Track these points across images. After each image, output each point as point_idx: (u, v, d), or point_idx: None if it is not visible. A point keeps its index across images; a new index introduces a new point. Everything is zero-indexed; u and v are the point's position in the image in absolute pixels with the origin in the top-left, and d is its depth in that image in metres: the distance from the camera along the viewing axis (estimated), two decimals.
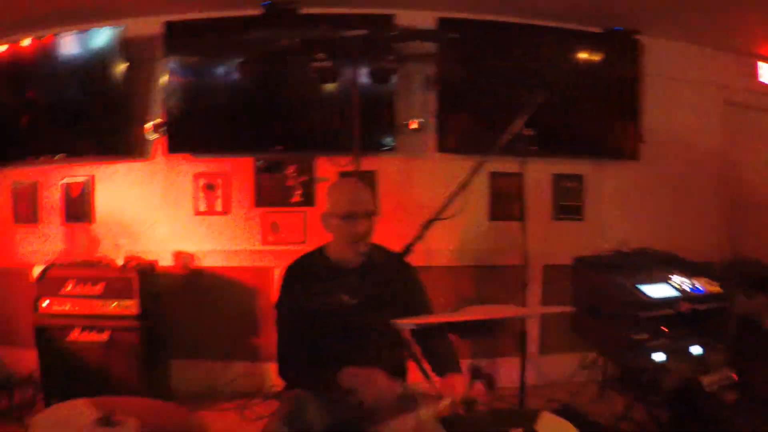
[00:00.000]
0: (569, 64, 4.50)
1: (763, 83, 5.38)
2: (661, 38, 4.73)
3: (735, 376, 3.49)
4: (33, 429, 1.80)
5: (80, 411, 1.74)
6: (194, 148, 4.23)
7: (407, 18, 4.16)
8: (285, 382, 2.42)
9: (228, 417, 3.84)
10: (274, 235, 4.29)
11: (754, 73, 5.33)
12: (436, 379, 2.17)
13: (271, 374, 4.20)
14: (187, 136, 4.15)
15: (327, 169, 4.24)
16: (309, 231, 4.29)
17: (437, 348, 2.37)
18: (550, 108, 3.44)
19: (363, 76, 3.89)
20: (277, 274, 4.15)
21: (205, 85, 4.12)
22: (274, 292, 4.20)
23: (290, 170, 4.26)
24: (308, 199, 4.27)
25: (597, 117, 4.52)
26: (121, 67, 4.07)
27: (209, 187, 4.26)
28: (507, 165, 4.09)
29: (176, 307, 4.25)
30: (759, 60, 5.34)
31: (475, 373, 1.89)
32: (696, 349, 3.59)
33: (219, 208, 4.28)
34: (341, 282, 2.33)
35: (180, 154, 4.24)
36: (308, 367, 2.27)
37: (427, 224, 2.58)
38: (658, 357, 3.51)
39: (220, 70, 4.11)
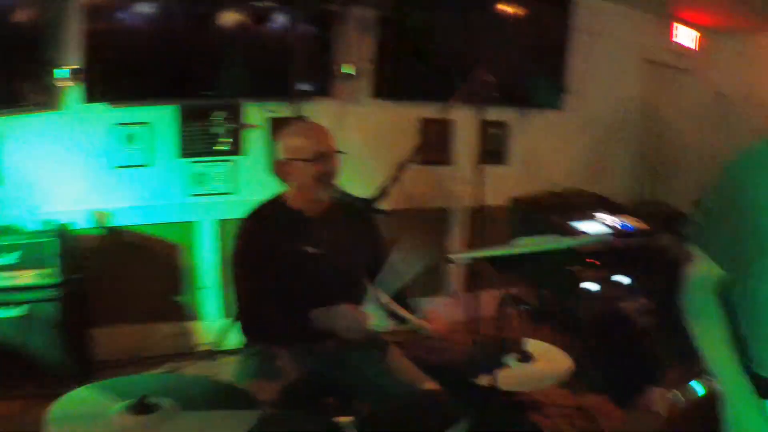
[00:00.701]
0: (505, 15, 4.62)
1: (678, 43, 5.87)
2: None
3: (653, 304, 3.84)
4: (53, 425, 1.44)
5: (97, 399, 1.48)
6: (113, 97, 3.88)
7: None
8: (251, 337, 2.34)
9: None
10: (200, 186, 4.13)
11: (670, 33, 5.80)
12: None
13: (201, 333, 4.12)
14: (105, 83, 3.80)
15: (257, 115, 4.13)
16: (238, 180, 4.19)
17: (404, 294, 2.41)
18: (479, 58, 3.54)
19: (300, 18, 3.83)
20: (205, 228, 4.16)
21: (124, 26, 3.79)
22: (199, 247, 4.19)
23: (218, 118, 4.09)
24: (236, 147, 4.15)
25: (525, 68, 4.70)
26: (27, 7, 3.64)
27: (129, 138, 3.98)
28: (433, 111, 4.27)
29: (97, 271, 3.95)
30: (675, 22, 5.81)
31: (511, 302, 1.97)
32: (623, 279, 3.93)
33: (140, 160, 4.02)
34: (304, 231, 2.29)
35: (97, 103, 3.88)
36: (277, 318, 2.22)
37: (401, 167, 2.62)
38: (590, 287, 3.81)
39: (142, 8, 3.78)
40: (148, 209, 4.07)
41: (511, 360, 2.08)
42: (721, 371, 1.47)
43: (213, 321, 4.15)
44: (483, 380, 1.93)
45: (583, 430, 3.22)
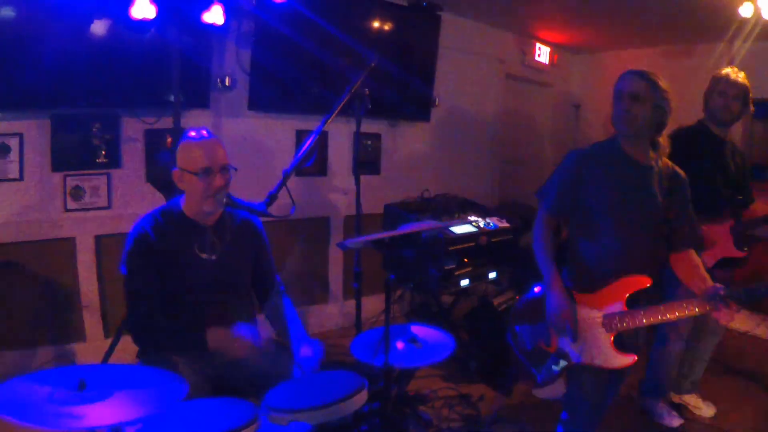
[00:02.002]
0: (378, 31, 4.95)
1: (539, 61, 6.67)
2: (457, 15, 5.52)
3: (518, 297, 4.33)
4: None
5: (33, 385, 1.64)
6: None
7: None
8: (143, 347, 2.42)
9: None
10: (76, 201, 4.01)
11: (531, 52, 6.58)
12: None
13: (83, 354, 4.02)
14: None
15: (134, 127, 4.13)
16: (115, 194, 4.11)
17: (283, 313, 2.66)
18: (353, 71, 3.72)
19: (179, 29, 3.86)
20: (83, 244, 4.03)
21: None
22: (78, 263, 4.03)
23: (94, 129, 4.02)
24: (113, 161, 4.08)
25: (395, 82, 5.05)
26: None
27: (1, 150, 3.80)
28: (308, 123, 4.49)
29: None
30: (534, 41, 6.59)
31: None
32: (491, 275, 4.41)
33: (13, 174, 3.84)
34: (198, 238, 2.42)
35: None
36: (170, 328, 2.33)
37: (287, 177, 2.87)
38: (463, 283, 4.24)
39: (12, 14, 3.61)
40: (23, 225, 3.88)
41: (400, 343, 2.42)
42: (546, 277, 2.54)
43: (96, 341, 4.05)
44: (376, 361, 2.27)
45: (464, 414, 3.62)
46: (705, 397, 3.77)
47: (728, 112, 3.35)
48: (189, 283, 2.39)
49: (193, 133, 2.43)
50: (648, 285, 2.46)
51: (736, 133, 5.58)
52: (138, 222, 2.42)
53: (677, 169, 2.58)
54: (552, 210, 2.62)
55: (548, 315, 2.52)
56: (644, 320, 2.41)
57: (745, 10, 4.10)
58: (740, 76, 3.34)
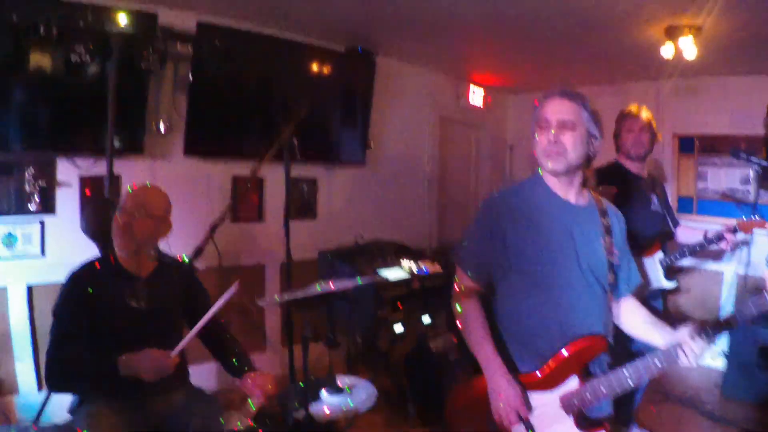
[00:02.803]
0: (315, 77, 5.07)
1: (472, 104, 6.95)
2: (392, 58, 5.74)
3: (455, 339, 4.50)
4: None
5: None
6: None
7: (169, 17, 4.23)
8: (55, 387, 2.48)
9: None
10: (8, 249, 3.96)
11: (465, 94, 6.86)
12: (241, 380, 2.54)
13: (16, 407, 3.92)
14: None
15: (69, 171, 4.10)
16: (49, 241, 4.08)
17: (229, 348, 2.74)
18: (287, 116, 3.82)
19: (115, 72, 3.83)
20: (15, 294, 3.95)
21: None
22: (9, 314, 3.95)
23: (27, 173, 3.98)
24: (48, 206, 4.05)
25: (331, 126, 5.25)
26: None
27: None
28: (245, 169, 4.57)
29: None
30: (470, 83, 6.89)
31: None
32: (426, 319, 4.58)
33: None
34: (130, 288, 2.50)
35: None
36: (84, 365, 2.37)
37: (214, 228, 2.96)
38: (398, 328, 4.40)
39: None
40: None
41: (323, 393, 2.49)
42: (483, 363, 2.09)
43: (28, 395, 3.97)
44: (299, 414, 2.31)
45: None
46: (644, 425, 3.95)
47: (640, 145, 3.63)
48: (118, 331, 2.45)
49: (138, 184, 2.54)
50: (603, 345, 2.10)
51: (664, 168, 6.02)
52: (73, 269, 2.50)
53: (610, 204, 2.30)
54: (475, 275, 2.21)
55: (494, 409, 2.05)
56: (607, 392, 2.04)
57: (667, 51, 4.39)
58: (642, 110, 3.66)
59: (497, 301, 2.21)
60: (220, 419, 2.46)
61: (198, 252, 2.84)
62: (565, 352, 2.05)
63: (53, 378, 2.40)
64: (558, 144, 2.05)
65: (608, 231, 2.17)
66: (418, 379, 4.34)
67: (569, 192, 2.17)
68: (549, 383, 2.07)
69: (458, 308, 2.23)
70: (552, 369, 2.06)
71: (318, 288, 2.38)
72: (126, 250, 2.50)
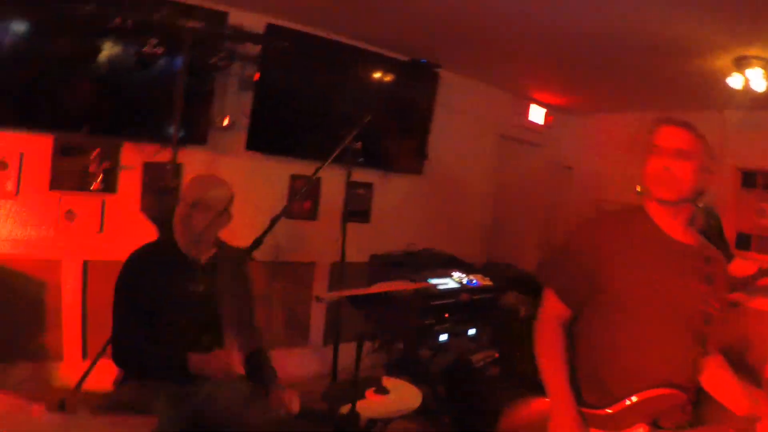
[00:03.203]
0: (377, 85, 5.16)
1: (532, 122, 6.89)
2: (455, 73, 5.74)
3: (497, 354, 4.47)
4: None
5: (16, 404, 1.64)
6: None
7: (239, 17, 4.34)
8: (123, 367, 2.53)
9: None
10: (68, 222, 4.14)
11: (526, 112, 6.82)
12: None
13: (60, 374, 4.08)
14: None
15: (133, 157, 4.26)
16: (107, 220, 4.23)
17: (259, 360, 2.73)
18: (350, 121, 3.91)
19: (184, 66, 3.93)
20: (70, 267, 4.13)
21: (4, 50, 3.75)
22: (63, 285, 4.14)
23: (93, 154, 4.16)
24: (109, 186, 4.20)
25: (390, 134, 5.29)
26: None
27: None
28: (303, 168, 4.67)
29: None
30: (531, 102, 6.84)
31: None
32: (471, 331, 4.55)
33: (9, 190, 3.96)
34: (188, 272, 2.55)
35: None
36: (152, 352, 2.46)
37: (274, 222, 3.01)
38: (442, 338, 4.38)
39: (22, 34, 3.76)
40: (13, 242, 3.99)
41: (369, 392, 2.48)
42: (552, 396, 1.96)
43: (74, 362, 4.11)
44: (344, 409, 2.29)
45: None
46: None
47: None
48: (175, 314, 2.49)
49: (202, 173, 2.58)
50: (679, 400, 1.92)
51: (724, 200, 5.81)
52: (135, 251, 2.57)
53: (714, 248, 2.11)
54: (564, 294, 2.06)
55: None
56: None
57: (735, 81, 4.29)
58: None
59: (579, 327, 2.09)
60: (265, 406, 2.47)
61: (257, 243, 2.89)
62: (635, 398, 1.91)
63: (120, 360, 2.48)
64: (669, 172, 1.93)
65: (709, 280, 1.99)
66: (456, 392, 4.30)
67: (675, 227, 2.02)
68: (614, 424, 1.94)
69: (539, 330, 2.09)
70: (621, 408, 1.92)
71: (375, 289, 2.37)
72: (186, 239, 2.55)
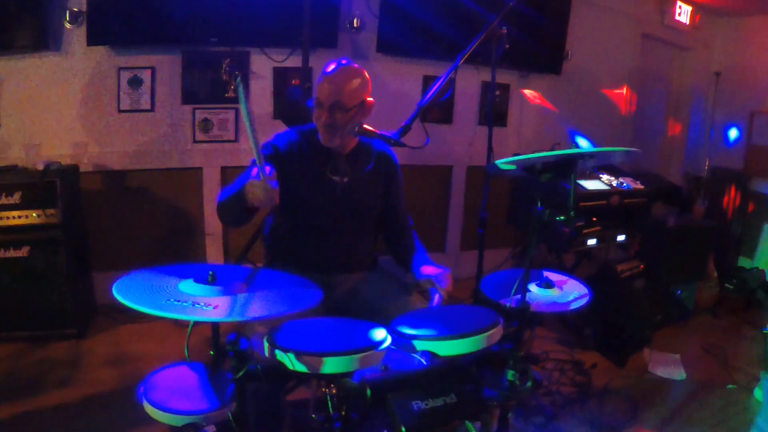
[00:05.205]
0: None
1: (678, 21, 6.24)
2: None
3: (642, 267, 4.17)
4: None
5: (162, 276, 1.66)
6: (117, 40, 3.92)
7: None
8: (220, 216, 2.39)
9: (161, 326, 3.76)
10: (205, 133, 4.24)
11: (671, 10, 6.15)
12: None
13: None
14: (109, 26, 3.84)
15: (263, 64, 4.27)
16: (242, 128, 4.28)
17: (406, 242, 2.65)
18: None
19: None
20: (210, 174, 4.29)
21: None
22: (203, 192, 4.32)
23: (223, 65, 4.18)
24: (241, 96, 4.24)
25: (528, 34, 4.87)
26: None
27: (134, 82, 4.06)
28: (436, 69, 4.52)
29: (98, 214, 4.06)
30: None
31: None
32: (620, 237, 4.27)
33: (145, 105, 4.11)
34: (331, 162, 2.43)
35: (100, 47, 3.93)
36: (292, 244, 2.47)
37: (422, 108, 2.86)
38: (591, 242, 4.13)
39: None
40: (153, 154, 4.18)
41: (534, 286, 2.25)
42: None
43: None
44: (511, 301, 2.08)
45: (575, 380, 3.51)
46: None
47: None
48: (317, 202, 2.42)
49: (331, 66, 2.36)
50: None
51: None
52: (276, 134, 2.49)
53: None
54: None
55: None
56: None
57: None
58: None
59: None
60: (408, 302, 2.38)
61: (406, 129, 2.75)
62: None
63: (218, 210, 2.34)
64: None
65: None
66: (599, 302, 4.07)
67: None
68: None
69: None
70: None
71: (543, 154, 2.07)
72: (327, 140, 2.42)
